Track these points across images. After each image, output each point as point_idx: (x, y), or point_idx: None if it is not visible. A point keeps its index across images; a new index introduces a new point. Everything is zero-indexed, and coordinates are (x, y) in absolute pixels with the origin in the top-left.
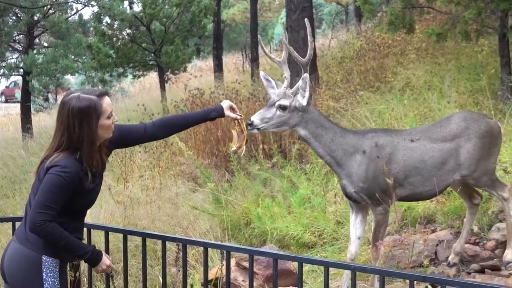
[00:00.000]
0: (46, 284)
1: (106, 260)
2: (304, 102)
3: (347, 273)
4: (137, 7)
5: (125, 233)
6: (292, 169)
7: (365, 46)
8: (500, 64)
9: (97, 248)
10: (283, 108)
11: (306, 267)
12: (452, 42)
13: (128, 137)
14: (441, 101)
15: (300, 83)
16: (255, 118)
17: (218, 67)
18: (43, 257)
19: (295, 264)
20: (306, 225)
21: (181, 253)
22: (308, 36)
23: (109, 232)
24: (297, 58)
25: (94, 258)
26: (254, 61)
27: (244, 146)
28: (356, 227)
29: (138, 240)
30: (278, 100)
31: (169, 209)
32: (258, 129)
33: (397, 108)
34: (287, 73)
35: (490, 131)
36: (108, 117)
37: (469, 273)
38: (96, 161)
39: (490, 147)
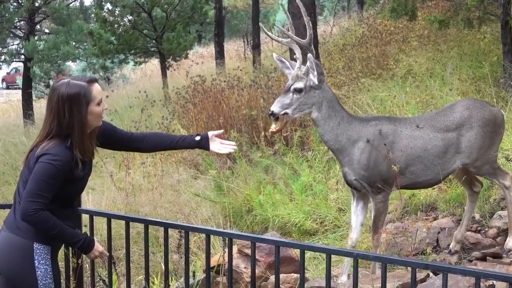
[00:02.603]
0: (39, 272)
1: (98, 246)
2: (316, 81)
3: (348, 260)
4: None
5: (127, 220)
6: (294, 156)
7: (367, 33)
8: (502, 51)
9: (89, 236)
10: (298, 90)
11: (308, 254)
12: (455, 29)
13: (114, 135)
14: (443, 89)
15: (307, 64)
16: (275, 107)
17: (220, 54)
18: (34, 245)
19: (297, 251)
20: (308, 212)
21: (183, 240)
22: (304, 17)
23: (111, 219)
24: (298, 41)
25: (86, 246)
26: (256, 48)
27: (284, 128)
28: (357, 214)
29: (140, 226)
30: (293, 84)
31: (171, 196)
32: (282, 116)
33: (399, 95)
34: (298, 53)
35: (493, 120)
36: (98, 104)
37: (470, 261)
38: (88, 148)
39: (492, 136)
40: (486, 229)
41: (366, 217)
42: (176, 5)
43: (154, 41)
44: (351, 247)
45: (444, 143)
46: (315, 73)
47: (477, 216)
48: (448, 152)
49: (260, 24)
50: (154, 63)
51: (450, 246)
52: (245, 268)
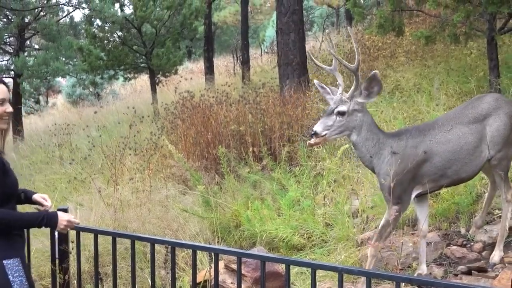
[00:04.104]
0: (15, 285)
1: (63, 216)
2: (365, 100)
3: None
4: (128, 10)
5: (114, 235)
6: (282, 171)
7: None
8: (488, 66)
9: (49, 211)
10: (342, 113)
11: (295, 270)
12: (442, 45)
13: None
14: (430, 104)
15: (364, 84)
16: (318, 127)
17: (209, 70)
18: (4, 262)
19: (283, 266)
20: (295, 228)
21: (170, 256)
22: (354, 43)
23: (99, 235)
24: (347, 66)
25: (50, 221)
26: (245, 63)
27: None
28: (421, 206)
29: (128, 242)
30: (336, 107)
31: (159, 211)
32: (322, 136)
33: (386, 110)
34: (340, 80)
35: None
36: (1, 104)
37: (456, 275)
38: None
39: None
40: (472, 243)
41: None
42: (165, 21)
43: (143, 57)
44: (422, 237)
45: (474, 137)
46: (375, 88)
47: (463, 231)
48: (480, 145)
49: (308, 52)
50: (144, 79)
51: (470, 232)
52: (231, 283)
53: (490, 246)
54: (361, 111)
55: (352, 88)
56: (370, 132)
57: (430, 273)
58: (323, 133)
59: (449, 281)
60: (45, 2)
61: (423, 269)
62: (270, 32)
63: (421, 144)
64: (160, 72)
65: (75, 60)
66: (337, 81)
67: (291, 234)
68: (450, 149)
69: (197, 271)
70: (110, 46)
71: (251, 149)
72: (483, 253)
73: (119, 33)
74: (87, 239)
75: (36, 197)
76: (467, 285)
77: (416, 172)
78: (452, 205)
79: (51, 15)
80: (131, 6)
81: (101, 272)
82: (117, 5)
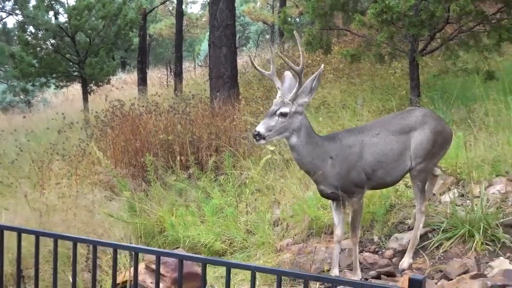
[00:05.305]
0: None
1: None
2: (309, 99)
3: (336, 254)
4: (63, 18)
5: (37, 234)
6: (208, 180)
7: (286, 64)
8: (410, 86)
9: None
10: (284, 115)
11: (215, 274)
12: (368, 64)
13: None
14: (353, 119)
15: (307, 84)
16: (261, 128)
17: (142, 81)
18: None
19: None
20: (218, 234)
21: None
22: (299, 47)
23: (23, 236)
24: (293, 67)
25: None
26: (178, 75)
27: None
28: (338, 212)
29: (51, 245)
30: (279, 109)
31: (84, 216)
32: (264, 138)
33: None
34: (278, 84)
35: (445, 133)
36: None
37: (366, 279)
38: None
39: (439, 147)
40: (383, 250)
41: (344, 213)
42: (100, 31)
43: (76, 65)
44: (337, 242)
45: (399, 145)
46: (314, 87)
47: (376, 238)
48: (404, 154)
49: (249, 56)
50: (76, 88)
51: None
52: (151, 283)
53: (400, 253)
54: (301, 113)
55: (295, 90)
56: (309, 136)
57: (344, 276)
58: (266, 134)
59: (352, 280)
60: None
61: (335, 273)
62: (205, 46)
63: (355, 144)
64: (93, 82)
65: (6, 66)
66: (276, 86)
67: (214, 240)
68: (379, 151)
69: (119, 273)
70: (42, 53)
71: (178, 158)
72: (393, 260)
73: (52, 41)
74: (10, 242)
75: None
76: (367, 283)
77: (358, 169)
78: (367, 214)
79: None
80: (65, 14)
81: (25, 275)
82: (51, 12)
